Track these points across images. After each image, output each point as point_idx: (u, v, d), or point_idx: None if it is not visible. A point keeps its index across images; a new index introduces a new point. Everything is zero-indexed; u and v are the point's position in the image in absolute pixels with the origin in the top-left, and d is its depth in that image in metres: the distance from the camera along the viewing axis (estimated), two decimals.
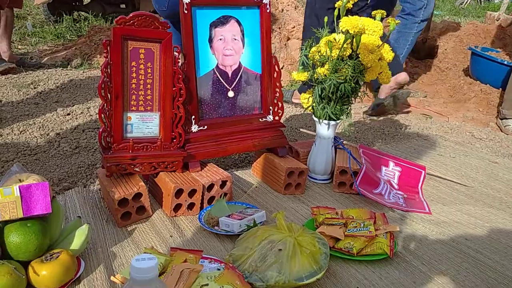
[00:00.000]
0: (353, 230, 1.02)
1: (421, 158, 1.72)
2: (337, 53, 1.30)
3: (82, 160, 1.55)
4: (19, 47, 3.91)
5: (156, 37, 1.22)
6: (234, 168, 1.56)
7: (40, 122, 1.92)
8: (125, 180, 1.18)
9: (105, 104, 1.17)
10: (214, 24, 1.33)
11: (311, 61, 1.41)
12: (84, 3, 5.62)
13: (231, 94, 1.39)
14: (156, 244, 1.05)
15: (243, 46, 1.39)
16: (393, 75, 2.06)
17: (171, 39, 1.23)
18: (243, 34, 1.38)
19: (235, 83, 1.40)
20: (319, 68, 1.38)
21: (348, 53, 1.31)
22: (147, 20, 1.19)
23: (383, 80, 1.39)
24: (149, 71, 1.24)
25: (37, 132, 1.80)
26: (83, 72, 2.95)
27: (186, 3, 1.26)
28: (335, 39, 1.29)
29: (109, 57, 1.16)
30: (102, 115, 1.17)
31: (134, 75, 1.22)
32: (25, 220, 0.83)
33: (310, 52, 1.40)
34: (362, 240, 0.99)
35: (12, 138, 1.73)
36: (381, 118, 2.30)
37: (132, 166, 1.20)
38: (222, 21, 1.34)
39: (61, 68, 3.13)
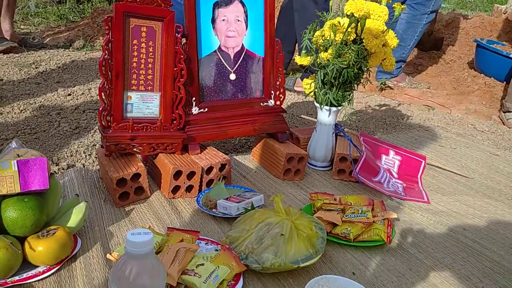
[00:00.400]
0: (350, 216, 1.01)
1: (422, 149, 1.71)
2: (341, 37, 1.28)
3: (81, 141, 1.55)
4: (22, 27, 3.88)
5: (159, 15, 1.20)
6: (233, 153, 1.55)
7: (40, 102, 1.91)
8: (124, 160, 1.18)
9: (105, 83, 1.16)
10: (218, 4, 1.32)
11: (315, 45, 1.39)
12: None
13: (233, 76, 1.38)
14: (153, 224, 1.05)
15: (246, 28, 1.37)
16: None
17: (173, 18, 1.21)
18: (246, 16, 1.36)
19: (237, 65, 1.38)
20: (322, 52, 1.36)
21: (352, 38, 1.30)
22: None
23: (386, 67, 1.38)
24: (151, 50, 1.23)
25: (38, 111, 1.80)
26: (85, 54, 2.93)
27: None
28: (339, 23, 1.27)
29: (110, 34, 1.15)
30: (102, 94, 1.16)
31: (135, 53, 1.21)
32: (22, 195, 0.83)
33: (314, 36, 1.39)
34: (359, 226, 0.99)
35: (13, 117, 1.72)
36: (383, 108, 2.28)
37: (131, 146, 1.19)
38: (225, 2, 1.32)
39: (63, 49, 3.12)
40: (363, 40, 1.26)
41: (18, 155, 0.88)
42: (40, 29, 3.89)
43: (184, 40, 1.28)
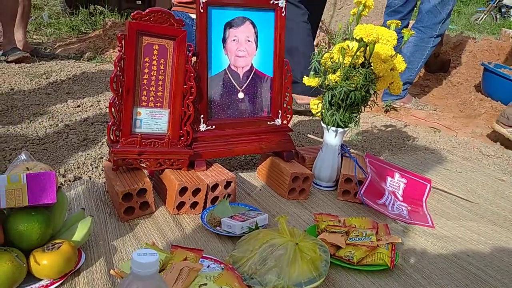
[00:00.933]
0: (354, 239, 1.01)
1: (427, 171, 1.71)
2: (350, 60, 1.30)
3: (89, 153, 1.56)
4: (34, 37, 3.96)
5: (171, 34, 1.22)
6: (239, 170, 1.56)
7: (50, 113, 1.94)
8: (130, 175, 1.19)
9: (115, 98, 1.18)
10: (229, 25, 1.34)
11: (323, 67, 1.41)
12: None
13: (241, 95, 1.40)
14: (157, 240, 1.05)
15: (256, 48, 1.39)
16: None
17: (185, 37, 1.24)
18: (257, 36, 1.39)
19: (246, 84, 1.40)
20: (330, 74, 1.37)
21: (361, 61, 1.31)
22: (163, 17, 1.20)
23: (393, 91, 1.39)
24: (162, 67, 1.25)
25: (47, 122, 1.82)
26: (95, 65, 2.97)
27: (202, 2, 1.27)
28: (348, 46, 1.29)
29: (123, 51, 1.17)
30: (112, 109, 1.18)
31: (146, 70, 1.23)
32: (29, 209, 0.84)
33: (323, 58, 1.40)
34: (363, 250, 0.98)
35: (22, 127, 1.74)
36: (389, 129, 2.29)
37: (138, 161, 1.21)
38: (237, 22, 1.35)
39: (74, 60, 3.17)
40: (371, 64, 1.28)
41: (27, 168, 0.89)
42: (52, 39, 3.96)
43: (194, 59, 1.30)
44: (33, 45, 3.37)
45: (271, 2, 1.37)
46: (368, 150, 1.94)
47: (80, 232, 0.91)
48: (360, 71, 1.29)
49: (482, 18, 11.48)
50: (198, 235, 1.09)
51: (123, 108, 1.19)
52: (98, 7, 5.57)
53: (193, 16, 2.19)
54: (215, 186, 1.22)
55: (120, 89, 1.19)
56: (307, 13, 2.26)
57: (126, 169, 1.21)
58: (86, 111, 2.02)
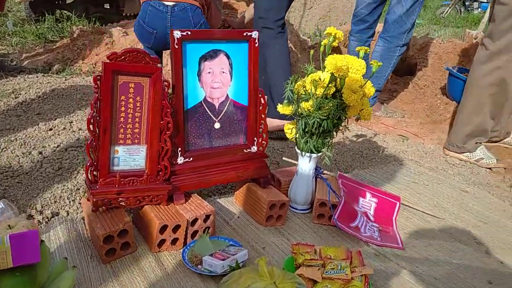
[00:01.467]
0: (330, 272, 1.07)
1: (397, 186, 1.79)
2: (322, 91, 1.35)
3: (65, 184, 1.56)
4: None
5: (147, 72, 1.24)
6: (216, 195, 1.59)
7: (22, 138, 1.91)
8: (110, 215, 1.20)
9: (93, 139, 1.19)
10: (204, 58, 1.36)
11: (296, 95, 1.45)
12: (67, 2, 5.52)
13: (217, 125, 1.43)
14: (139, 282, 1.08)
15: (231, 78, 1.42)
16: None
17: (161, 73, 1.25)
18: (231, 67, 1.42)
19: (221, 114, 1.43)
20: (303, 102, 1.42)
21: (332, 91, 1.36)
22: (138, 56, 1.21)
23: (364, 117, 1.45)
24: (138, 104, 1.26)
25: (19, 149, 1.79)
26: (65, 80, 2.91)
27: (177, 38, 1.28)
28: (320, 79, 1.34)
29: (99, 92, 1.18)
30: (90, 150, 1.19)
31: (123, 109, 1.24)
32: (14, 269, 0.85)
33: (295, 86, 1.45)
34: (338, 284, 1.04)
35: None
36: (360, 139, 2.37)
37: (118, 201, 1.22)
38: (211, 55, 1.37)
39: (42, 74, 3.09)
40: (343, 95, 1.33)
41: (9, 226, 0.90)
42: (18, 49, 3.85)
43: (170, 92, 1.32)
44: None
45: (244, 34, 1.40)
46: (340, 164, 2.01)
47: (64, 285, 0.93)
48: (332, 102, 1.34)
49: (447, 12, 11.79)
50: (180, 274, 1.12)
51: (101, 148, 1.21)
52: (65, 12, 5.43)
53: (167, 3, 2.20)
54: (194, 221, 1.26)
55: (97, 129, 1.20)
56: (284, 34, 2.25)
57: (105, 208, 1.23)
58: (59, 134, 2.00)
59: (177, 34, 1.28)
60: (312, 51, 1.55)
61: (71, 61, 3.38)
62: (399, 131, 2.57)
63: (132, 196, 1.24)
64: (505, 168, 2.12)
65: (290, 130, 1.52)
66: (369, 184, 1.64)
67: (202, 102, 1.39)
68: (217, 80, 1.40)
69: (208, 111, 1.40)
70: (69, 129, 2.06)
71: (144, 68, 1.23)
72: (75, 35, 3.79)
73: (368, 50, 1.52)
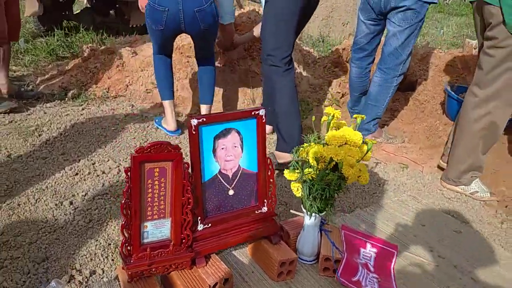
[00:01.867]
0: None
1: (395, 227, 1.96)
2: (323, 166, 1.51)
3: (97, 239, 1.75)
4: (13, 68, 3.98)
5: (169, 158, 1.41)
6: (232, 247, 1.78)
7: (52, 186, 2.09)
8: (142, 283, 1.39)
9: (126, 221, 1.36)
10: (218, 137, 1.52)
11: (300, 161, 1.61)
12: (74, 13, 5.63)
13: (231, 192, 1.60)
14: None
15: (242, 151, 1.58)
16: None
17: (181, 157, 1.42)
18: (242, 141, 1.57)
19: (235, 182, 1.60)
20: (307, 168, 1.58)
21: (332, 165, 1.52)
22: (161, 147, 1.37)
23: (361, 182, 1.61)
24: (162, 185, 1.43)
25: (51, 200, 1.98)
26: (82, 110, 3.08)
27: (194, 125, 1.44)
28: (322, 156, 1.50)
29: (130, 182, 1.35)
30: (124, 230, 1.37)
31: (149, 190, 1.41)
32: None
33: (300, 153, 1.61)
34: None
35: (30, 209, 1.90)
36: None
37: (149, 271, 1.41)
38: (224, 133, 1.53)
39: (59, 100, 3.26)
40: (342, 170, 1.49)
41: None
42: (32, 69, 4.00)
43: (190, 172, 1.48)
44: (16, 84, 3.44)
45: (253, 113, 1.55)
46: (343, 201, 2.18)
47: None
48: (332, 176, 1.50)
49: None
50: None
51: (132, 227, 1.38)
52: (72, 22, 5.55)
53: None
54: (215, 285, 1.44)
55: (129, 211, 1.37)
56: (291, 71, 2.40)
57: (138, 278, 1.41)
58: (84, 179, 2.18)
59: (194, 121, 1.44)
60: (314, 118, 1.70)
61: (85, 85, 3.54)
62: (399, 158, 2.72)
63: (161, 266, 1.43)
64: (498, 201, 2.28)
65: (296, 188, 1.69)
66: (370, 226, 1.81)
67: (218, 174, 1.55)
68: (230, 154, 1.56)
69: (223, 181, 1.57)
70: (93, 173, 2.24)
71: (167, 156, 1.39)
72: (85, 54, 3.94)
73: (365, 117, 1.67)
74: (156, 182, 1.42)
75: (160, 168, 1.41)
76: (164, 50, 2.69)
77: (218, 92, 3.23)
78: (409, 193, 2.31)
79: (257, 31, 3.14)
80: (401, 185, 2.39)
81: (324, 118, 1.57)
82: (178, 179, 1.43)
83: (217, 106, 3.17)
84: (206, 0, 2.37)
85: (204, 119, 1.46)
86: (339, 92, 3.51)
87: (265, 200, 1.66)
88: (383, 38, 2.83)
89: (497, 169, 2.62)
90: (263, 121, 1.58)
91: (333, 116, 1.53)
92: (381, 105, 2.75)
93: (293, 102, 2.36)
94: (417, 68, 3.93)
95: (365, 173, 1.60)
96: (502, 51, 2.01)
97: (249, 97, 3.21)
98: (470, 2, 2.24)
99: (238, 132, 1.56)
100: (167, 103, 2.75)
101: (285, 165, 2.34)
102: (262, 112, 1.57)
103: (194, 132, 1.45)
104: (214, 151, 1.53)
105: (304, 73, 3.80)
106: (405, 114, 3.39)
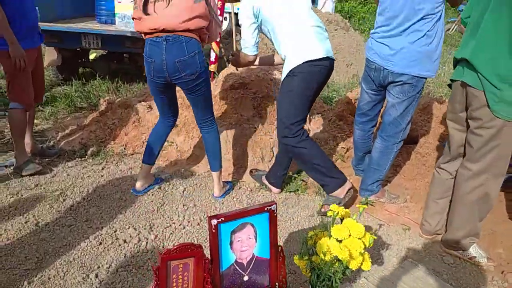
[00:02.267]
0: None
1: None
2: (330, 257, 1.68)
3: None
4: (36, 121, 4.20)
5: (192, 255, 1.58)
6: None
7: (78, 257, 2.27)
8: None
9: None
10: (234, 231, 1.70)
11: (310, 248, 1.78)
12: (90, 60, 5.92)
13: (246, 278, 1.76)
14: None
15: (256, 241, 1.76)
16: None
17: (203, 253, 1.59)
18: (255, 233, 1.75)
19: (249, 269, 1.77)
20: (315, 256, 1.75)
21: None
22: (186, 247, 1.56)
23: (364, 268, 1.77)
24: (186, 278, 1.61)
25: (78, 273, 2.15)
26: (102, 169, 3.28)
27: (214, 225, 1.62)
28: (329, 249, 1.67)
29: (158, 279, 1.52)
30: None
31: (174, 283, 1.59)
32: None
33: (308, 241, 1.78)
34: None
35: (60, 284, 2.07)
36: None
37: None
38: (240, 228, 1.71)
39: (80, 158, 3.46)
40: (346, 264, 1.66)
41: None
42: (51, 121, 4.24)
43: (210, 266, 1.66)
44: (38, 139, 3.67)
45: (266, 208, 1.73)
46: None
47: None
48: (338, 268, 1.67)
49: (453, 29, 11.94)
50: None
51: None
52: (88, 69, 5.83)
53: (163, 35, 2.41)
54: None
55: None
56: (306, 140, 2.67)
57: None
58: (108, 250, 2.35)
59: (214, 221, 1.62)
60: (319, 206, 1.88)
61: (104, 141, 3.75)
62: (401, 218, 2.87)
63: None
64: (494, 266, 2.42)
65: (304, 268, 1.85)
66: None
67: (234, 264, 1.72)
68: (245, 245, 1.73)
69: (238, 269, 1.74)
70: (116, 242, 2.41)
71: (190, 254, 1.57)
72: (103, 108, 4.17)
73: (367, 206, 1.84)
74: (180, 276, 1.60)
75: (184, 264, 1.59)
76: (164, 108, 2.83)
77: (228, 151, 3.42)
78: (411, 259, 2.46)
79: (277, 59, 3.19)
80: (403, 249, 2.54)
81: (329, 213, 1.74)
82: (199, 272, 1.61)
83: (228, 165, 3.35)
84: (189, 52, 2.46)
85: (223, 219, 1.64)
86: (344, 148, 3.69)
87: (277, 283, 1.82)
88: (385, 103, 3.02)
89: (494, 230, 2.75)
90: (275, 215, 1.76)
91: (337, 213, 1.71)
92: (383, 169, 2.92)
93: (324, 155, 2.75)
94: (418, 119, 4.11)
95: (367, 261, 1.77)
96: (488, 131, 2.18)
97: (258, 156, 3.40)
98: (451, 80, 2.39)
99: (253, 225, 1.74)
100: (143, 165, 2.95)
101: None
102: (273, 207, 1.75)
103: (214, 231, 1.63)
104: (231, 243, 1.70)
105: (310, 126, 3.99)
106: (407, 169, 3.55)
